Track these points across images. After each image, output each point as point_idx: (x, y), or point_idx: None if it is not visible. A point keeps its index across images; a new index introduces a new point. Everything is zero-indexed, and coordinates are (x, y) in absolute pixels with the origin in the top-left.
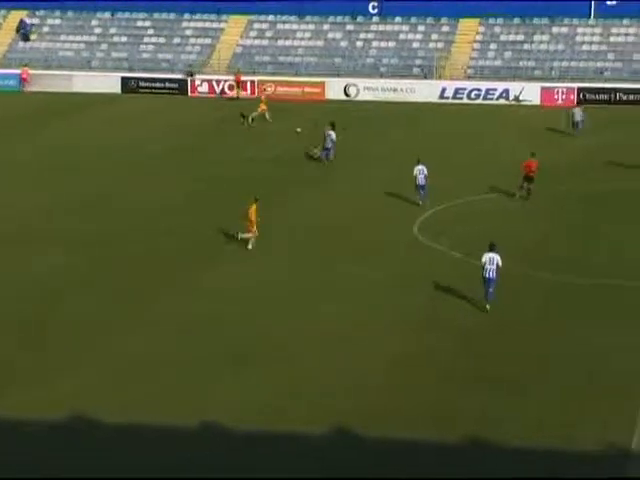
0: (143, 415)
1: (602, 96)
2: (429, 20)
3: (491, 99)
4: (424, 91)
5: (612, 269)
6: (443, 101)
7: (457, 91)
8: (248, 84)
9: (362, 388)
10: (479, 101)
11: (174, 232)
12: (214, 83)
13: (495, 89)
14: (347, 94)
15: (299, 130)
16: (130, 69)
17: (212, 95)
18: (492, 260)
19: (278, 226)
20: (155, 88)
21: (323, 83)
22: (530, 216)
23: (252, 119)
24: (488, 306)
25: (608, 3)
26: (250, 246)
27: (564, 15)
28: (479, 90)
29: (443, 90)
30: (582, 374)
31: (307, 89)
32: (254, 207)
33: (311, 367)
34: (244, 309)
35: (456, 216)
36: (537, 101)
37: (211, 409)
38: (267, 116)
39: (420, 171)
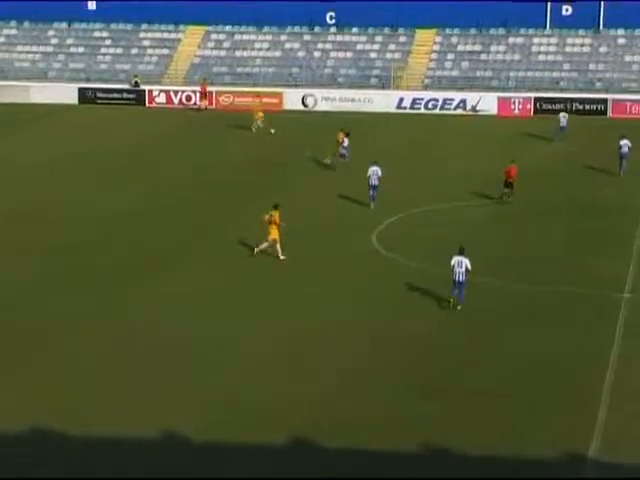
0: (97, 424)
1: (558, 106)
2: (386, 30)
3: (448, 109)
4: (382, 101)
5: (566, 276)
6: (400, 111)
7: (414, 101)
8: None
9: (317, 398)
10: (436, 111)
11: (140, 240)
12: (172, 94)
13: (452, 99)
14: (305, 104)
15: (273, 131)
16: (87, 80)
17: (170, 106)
18: (461, 263)
19: (234, 235)
20: (112, 99)
21: (281, 93)
22: (491, 224)
23: (264, 128)
24: (459, 307)
25: (563, 14)
26: (282, 256)
27: (520, 25)
28: (436, 100)
29: (400, 100)
30: (540, 381)
31: (265, 99)
32: (276, 213)
33: (265, 378)
34: (188, 317)
35: (414, 225)
36: (494, 111)
37: (163, 419)
38: (254, 125)
39: (374, 172)
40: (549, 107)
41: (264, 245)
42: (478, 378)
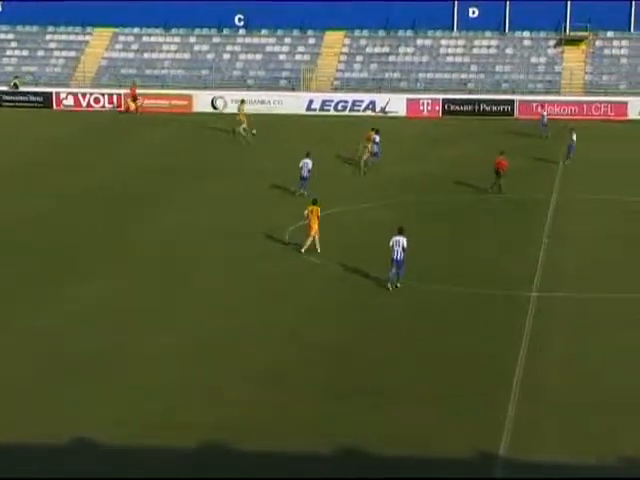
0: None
1: (466, 107)
2: (295, 32)
3: (358, 110)
4: (292, 103)
5: (475, 276)
6: (310, 113)
7: (324, 103)
8: (115, 97)
9: (227, 401)
10: (346, 112)
11: (23, 249)
12: (80, 96)
13: (362, 101)
14: (215, 107)
15: (254, 132)
16: None
17: (78, 109)
18: (398, 242)
19: (139, 239)
20: (19, 102)
21: (190, 96)
22: (403, 225)
23: (248, 132)
24: (399, 284)
25: (470, 15)
26: (318, 248)
27: (428, 27)
28: (346, 102)
29: (310, 102)
30: (451, 380)
31: (174, 101)
32: (313, 209)
33: (172, 382)
34: (99, 325)
35: (327, 226)
36: (403, 112)
37: (68, 425)
38: (246, 132)
39: (305, 164)
40: (457, 108)
41: (309, 241)
42: (390, 378)
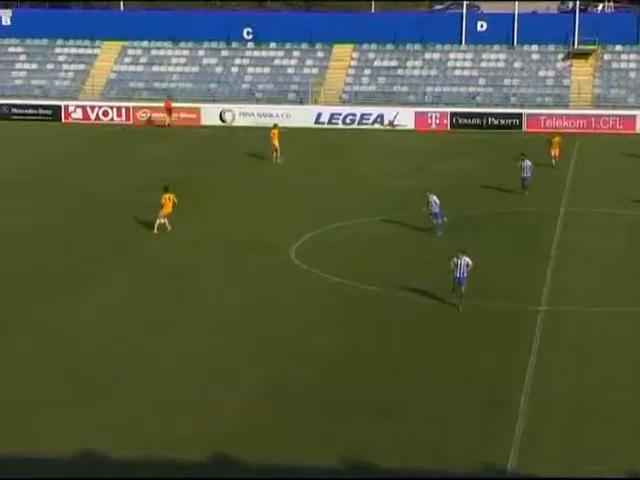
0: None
1: (474, 120)
2: (304, 46)
3: (366, 124)
4: (300, 116)
5: (482, 290)
6: (319, 126)
7: (332, 116)
8: (123, 110)
9: (227, 416)
10: (354, 126)
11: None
12: (88, 109)
13: (370, 114)
14: (223, 120)
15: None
16: (2, 95)
17: (87, 121)
18: (461, 261)
19: (138, 254)
20: (28, 114)
21: (199, 109)
22: (407, 239)
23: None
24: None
25: (479, 29)
26: (156, 230)
27: (436, 41)
28: (354, 115)
29: (319, 115)
30: (459, 394)
31: (183, 115)
32: (169, 196)
33: (185, 393)
34: (101, 336)
35: (334, 240)
36: (411, 126)
37: (79, 440)
38: (275, 157)
39: (433, 201)
40: (465, 122)
41: (158, 221)
42: (395, 393)
